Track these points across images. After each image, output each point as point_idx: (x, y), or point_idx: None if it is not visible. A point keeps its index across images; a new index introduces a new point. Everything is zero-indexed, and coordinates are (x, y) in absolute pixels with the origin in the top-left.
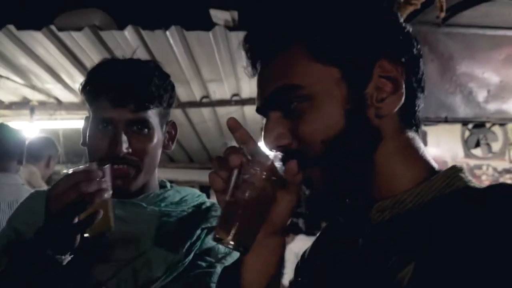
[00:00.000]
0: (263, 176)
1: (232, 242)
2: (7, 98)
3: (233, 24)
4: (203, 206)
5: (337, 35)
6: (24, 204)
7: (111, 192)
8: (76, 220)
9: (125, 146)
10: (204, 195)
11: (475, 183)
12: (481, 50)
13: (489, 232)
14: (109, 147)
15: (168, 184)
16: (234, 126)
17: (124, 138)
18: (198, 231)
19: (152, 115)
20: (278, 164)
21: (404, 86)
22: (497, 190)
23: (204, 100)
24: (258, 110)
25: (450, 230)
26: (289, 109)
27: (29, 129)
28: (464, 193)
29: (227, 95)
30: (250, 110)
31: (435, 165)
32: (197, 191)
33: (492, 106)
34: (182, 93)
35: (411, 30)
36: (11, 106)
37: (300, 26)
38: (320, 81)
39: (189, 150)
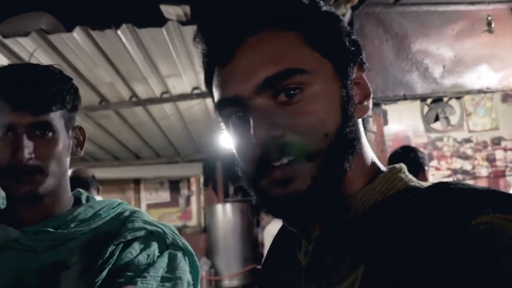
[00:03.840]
0: None
1: None
2: None
3: (185, 18)
4: (121, 217)
5: (329, 29)
6: None
7: None
8: None
9: (27, 152)
10: (125, 204)
11: (415, 181)
12: (435, 27)
13: (428, 233)
14: (11, 154)
15: (84, 197)
16: None
17: (26, 143)
18: (111, 248)
19: (56, 117)
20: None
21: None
22: (437, 190)
23: (165, 95)
24: (235, 100)
25: (394, 232)
26: (287, 96)
27: None
28: (405, 195)
29: (187, 89)
30: (211, 102)
31: (382, 167)
32: (116, 201)
33: (448, 81)
34: (141, 90)
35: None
36: None
37: (296, 13)
38: (321, 70)
39: (155, 146)
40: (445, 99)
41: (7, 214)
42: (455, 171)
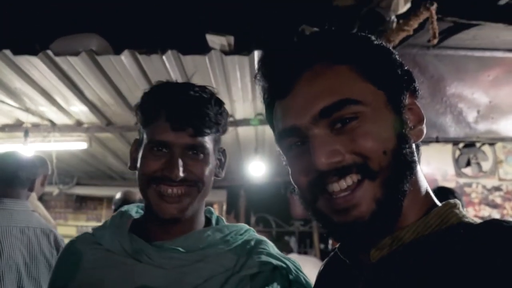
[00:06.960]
0: None
1: None
2: (1, 120)
3: (228, 48)
4: (247, 246)
5: (382, 61)
6: (62, 260)
7: None
8: None
9: (181, 170)
10: (251, 231)
11: (469, 218)
12: (470, 72)
13: (482, 267)
14: (165, 169)
15: (214, 217)
16: None
17: (180, 162)
18: (237, 280)
19: (208, 140)
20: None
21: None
22: (490, 226)
23: None
24: (294, 130)
25: (445, 266)
26: (343, 124)
27: (23, 151)
28: (458, 230)
29: None
30: (243, 131)
31: (437, 202)
32: (243, 227)
33: (482, 126)
34: None
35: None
36: (4, 128)
37: (349, 47)
38: (374, 100)
39: None
40: (478, 145)
41: (141, 224)
42: (482, 219)
